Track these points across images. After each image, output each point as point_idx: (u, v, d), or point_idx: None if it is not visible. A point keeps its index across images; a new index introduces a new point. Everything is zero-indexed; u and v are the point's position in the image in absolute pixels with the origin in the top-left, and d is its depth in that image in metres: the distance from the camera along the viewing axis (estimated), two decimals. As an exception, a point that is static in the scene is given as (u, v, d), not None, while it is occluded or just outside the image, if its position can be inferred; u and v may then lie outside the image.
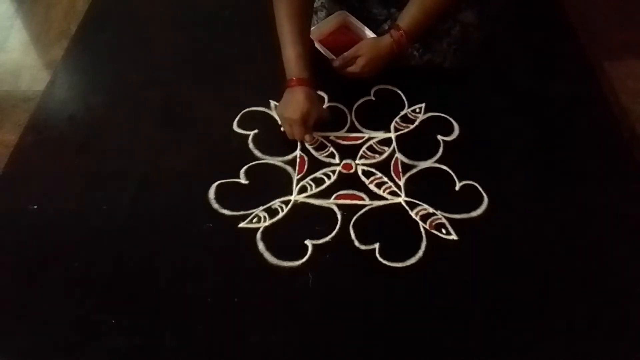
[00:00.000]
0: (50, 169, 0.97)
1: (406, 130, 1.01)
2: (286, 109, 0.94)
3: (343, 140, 1.00)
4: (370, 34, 1.04)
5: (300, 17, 0.95)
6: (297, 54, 0.93)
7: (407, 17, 0.98)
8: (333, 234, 0.87)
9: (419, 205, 0.90)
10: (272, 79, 1.09)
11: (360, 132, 1.01)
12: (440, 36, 1.02)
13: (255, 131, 1.01)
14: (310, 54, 0.97)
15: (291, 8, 0.94)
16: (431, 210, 0.90)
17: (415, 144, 0.99)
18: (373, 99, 1.06)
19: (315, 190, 0.93)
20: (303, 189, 0.93)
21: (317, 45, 1.06)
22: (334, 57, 1.02)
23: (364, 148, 0.99)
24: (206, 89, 1.09)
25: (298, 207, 0.91)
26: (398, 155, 0.98)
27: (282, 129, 0.98)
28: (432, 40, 1.03)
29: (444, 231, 0.87)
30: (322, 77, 1.03)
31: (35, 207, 0.91)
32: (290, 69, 0.94)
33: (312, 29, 1.06)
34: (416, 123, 1.02)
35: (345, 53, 1.00)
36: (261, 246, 0.85)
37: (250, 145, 0.99)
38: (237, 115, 1.03)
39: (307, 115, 0.94)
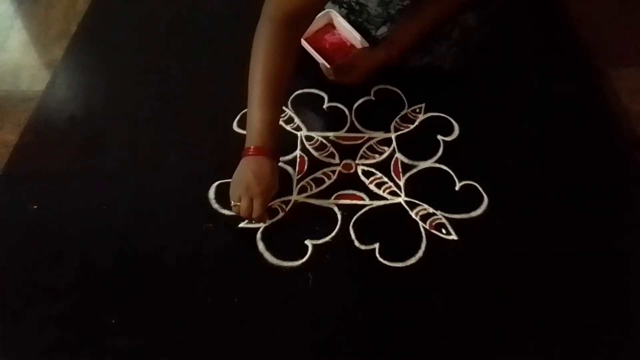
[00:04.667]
0: (50, 169, 0.96)
1: (406, 130, 1.01)
2: (248, 180, 0.81)
3: (343, 140, 1.00)
4: (357, 35, 1.04)
5: (281, 78, 0.84)
6: (269, 121, 0.83)
7: (401, 30, 0.98)
8: (333, 234, 0.87)
9: (419, 205, 0.90)
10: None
11: (360, 132, 1.01)
12: (440, 39, 1.02)
13: (255, 131, 1.01)
14: (278, 122, 0.87)
15: (272, 68, 0.83)
16: (431, 210, 0.90)
17: (415, 144, 0.99)
18: (373, 99, 1.06)
19: (315, 190, 0.93)
20: (303, 189, 0.93)
21: (304, 44, 1.06)
22: (325, 63, 1.02)
23: (364, 148, 0.99)
24: (206, 89, 1.09)
25: (298, 207, 0.91)
26: (398, 155, 0.98)
27: (233, 204, 0.83)
28: (432, 43, 1.03)
29: (444, 231, 0.87)
30: (321, 77, 1.03)
31: (35, 207, 0.91)
32: (257, 135, 0.83)
33: None
34: (416, 123, 1.02)
35: (340, 63, 1.00)
36: (261, 246, 0.85)
37: (250, 145, 0.99)
38: (237, 115, 1.03)
39: (273, 190, 0.85)
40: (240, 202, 0.82)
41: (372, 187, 0.93)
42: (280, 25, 0.82)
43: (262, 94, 0.83)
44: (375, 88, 1.07)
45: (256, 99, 0.83)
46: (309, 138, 1.00)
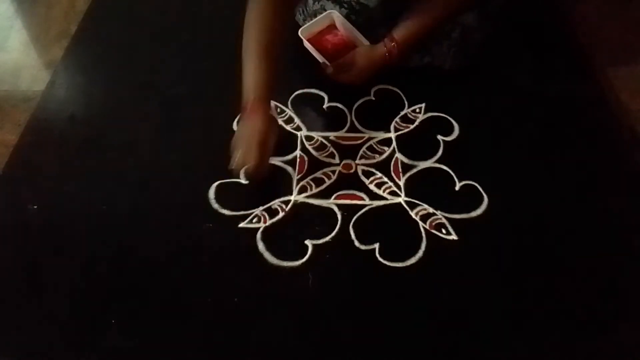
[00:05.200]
0: (50, 169, 0.97)
1: (406, 130, 1.01)
2: (247, 132, 0.86)
3: (343, 140, 1.00)
4: (359, 36, 1.05)
5: (272, 45, 0.88)
6: (265, 79, 0.87)
7: (402, 29, 0.98)
8: (333, 234, 0.87)
9: (419, 205, 0.90)
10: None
11: (360, 132, 1.01)
12: (440, 39, 1.02)
13: (255, 131, 1.01)
14: (275, 78, 0.89)
15: (264, 35, 0.89)
16: (431, 210, 0.90)
17: (415, 144, 0.99)
18: (373, 99, 1.06)
19: (315, 190, 0.93)
20: (303, 189, 0.93)
21: (307, 44, 1.06)
22: (326, 61, 1.02)
23: (364, 148, 0.99)
24: (206, 89, 1.09)
25: (298, 207, 0.91)
26: (398, 155, 0.98)
27: (232, 164, 0.85)
28: (432, 43, 1.03)
29: (444, 231, 0.87)
30: (322, 77, 1.03)
31: (35, 207, 0.91)
32: (254, 90, 0.86)
33: (301, 28, 1.06)
34: (416, 123, 1.02)
35: (340, 60, 1.00)
36: (261, 246, 0.85)
37: (250, 145, 0.99)
38: (237, 115, 1.03)
39: (266, 136, 0.86)
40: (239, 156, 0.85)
41: (372, 187, 0.93)
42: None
43: (257, 59, 0.87)
44: (375, 88, 1.07)
45: (251, 64, 0.87)
46: (309, 138, 1.00)
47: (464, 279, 0.83)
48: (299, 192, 0.93)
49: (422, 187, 0.93)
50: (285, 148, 0.98)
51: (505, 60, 1.13)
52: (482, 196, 0.91)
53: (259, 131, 0.85)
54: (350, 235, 0.87)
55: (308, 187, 0.93)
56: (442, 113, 1.03)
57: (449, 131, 1.01)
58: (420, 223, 0.88)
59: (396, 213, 0.90)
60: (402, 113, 1.04)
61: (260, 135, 0.85)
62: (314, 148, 0.99)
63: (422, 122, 1.02)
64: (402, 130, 1.01)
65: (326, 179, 0.94)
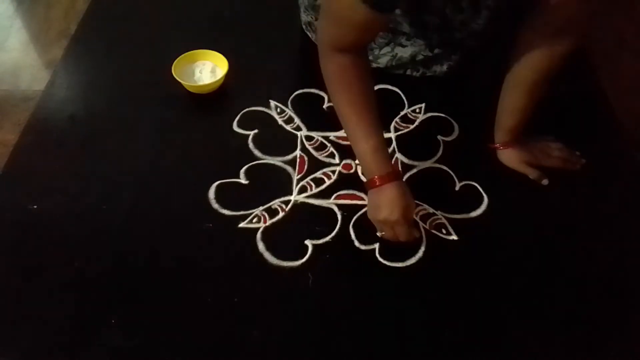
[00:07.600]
0: (50, 169, 0.96)
1: (406, 130, 1.02)
2: (381, 212, 0.81)
3: (343, 140, 1.00)
4: None
5: (365, 101, 0.82)
6: (373, 148, 0.81)
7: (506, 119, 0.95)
8: (333, 234, 0.87)
9: (419, 205, 0.90)
10: (272, 79, 1.09)
11: (360, 132, 1.01)
12: (442, 61, 1.04)
13: (255, 131, 1.01)
14: (383, 144, 0.83)
15: (351, 94, 0.81)
16: (431, 210, 0.90)
17: (415, 144, 0.99)
18: (373, 99, 1.06)
19: (315, 190, 0.93)
20: (303, 189, 0.93)
21: None
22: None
23: (364, 148, 0.98)
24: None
25: (298, 207, 0.91)
26: (398, 155, 0.98)
27: (380, 234, 0.84)
28: (433, 63, 1.04)
29: (444, 231, 0.87)
30: (321, 77, 1.03)
31: (35, 207, 0.90)
32: (370, 166, 0.82)
33: None
34: (416, 123, 1.02)
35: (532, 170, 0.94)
36: (261, 246, 0.85)
37: (250, 145, 0.99)
38: (237, 115, 1.03)
39: (407, 211, 0.81)
40: (385, 232, 0.83)
41: (372, 187, 0.93)
42: (341, 52, 0.79)
43: (359, 122, 0.82)
44: (375, 88, 1.07)
45: (356, 129, 0.82)
46: (309, 138, 1.00)
47: (464, 279, 0.83)
48: (299, 192, 0.93)
49: (422, 187, 0.93)
50: (285, 148, 0.98)
51: (506, 60, 1.13)
52: (482, 196, 0.91)
53: (398, 208, 0.80)
54: (350, 235, 0.87)
55: (308, 187, 0.93)
56: (442, 113, 1.03)
57: (449, 131, 1.01)
58: (420, 223, 0.88)
59: (396, 213, 0.90)
60: (402, 113, 1.04)
61: (398, 217, 0.80)
62: (314, 148, 0.99)
63: (422, 122, 1.02)
64: (402, 130, 1.01)
65: (326, 179, 0.94)
